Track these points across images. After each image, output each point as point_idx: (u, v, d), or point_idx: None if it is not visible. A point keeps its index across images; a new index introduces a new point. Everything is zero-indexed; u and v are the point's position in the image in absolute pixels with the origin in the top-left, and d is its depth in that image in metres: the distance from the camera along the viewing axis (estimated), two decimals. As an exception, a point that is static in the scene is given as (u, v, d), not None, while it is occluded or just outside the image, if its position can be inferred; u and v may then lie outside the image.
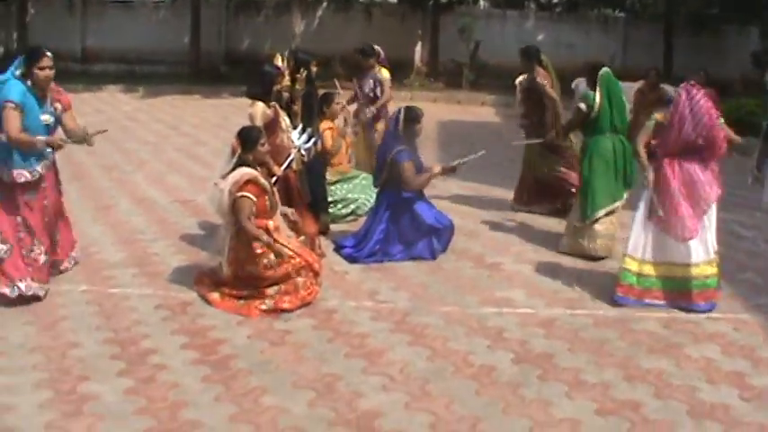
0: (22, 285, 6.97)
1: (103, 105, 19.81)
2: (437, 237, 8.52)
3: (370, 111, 10.92)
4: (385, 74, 11.16)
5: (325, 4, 29.07)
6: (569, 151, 10.35)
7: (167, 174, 12.73)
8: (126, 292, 7.43)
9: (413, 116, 8.49)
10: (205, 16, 27.68)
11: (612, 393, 5.63)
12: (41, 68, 7.01)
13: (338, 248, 8.69)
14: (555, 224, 10.01)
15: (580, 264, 8.58)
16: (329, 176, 9.81)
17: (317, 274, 7.20)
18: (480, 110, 22.83)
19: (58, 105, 7.31)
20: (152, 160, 13.89)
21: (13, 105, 6.84)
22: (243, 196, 6.96)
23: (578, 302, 7.44)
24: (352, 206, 9.84)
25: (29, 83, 7.00)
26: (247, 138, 7.21)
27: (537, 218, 10.47)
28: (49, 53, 7.11)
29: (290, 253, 7.10)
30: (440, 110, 21.32)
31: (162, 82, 24.71)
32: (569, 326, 6.85)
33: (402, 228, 8.42)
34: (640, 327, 6.87)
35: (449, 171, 8.75)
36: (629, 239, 7.42)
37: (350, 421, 5.22)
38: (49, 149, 7.20)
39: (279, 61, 8.58)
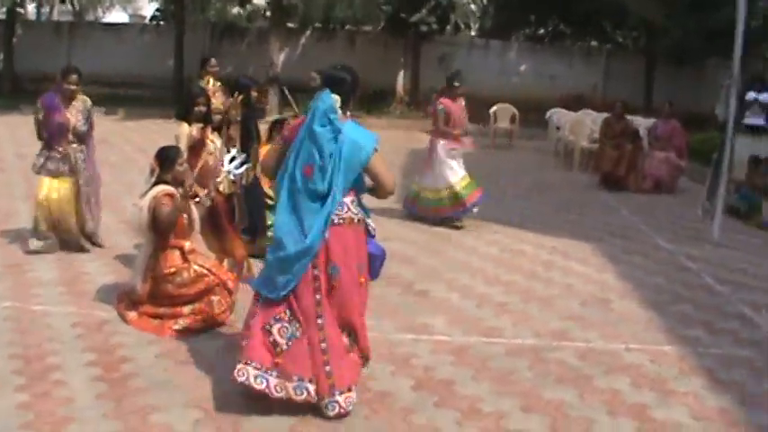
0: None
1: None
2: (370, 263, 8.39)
3: None
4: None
5: (308, 32, 29.17)
6: None
7: (123, 195, 12.63)
8: (47, 310, 7.36)
9: None
10: (189, 41, 27.76)
11: (504, 423, 5.52)
12: None
13: (269, 272, 8.57)
14: (496, 252, 9.95)
15: (512, 292, 8.50)
16: (270, 201, 9.72)
17: (231, 293, 7.12)
18: (456, 139, 22.70)
19: None
20: (112, 182, 13.80)
21: None
22: (161, 203, 6.94)
23: (496, 331, 7.34)
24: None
25: None
26: (165, 157, 7.18)
27: (480, 246, 10.42)
28: None
29: (205, 271, 7.04)
30: (413, 138, 21.26)
31: (145, 105, 24.73)
32: (480, 354, 6.75)
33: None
34: (554, 356, 6.78)
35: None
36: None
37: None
38: None
39: (207, 83, 8.52)
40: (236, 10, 31.22)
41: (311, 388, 5.39)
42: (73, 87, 9.20)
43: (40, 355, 6.35)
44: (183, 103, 8.27)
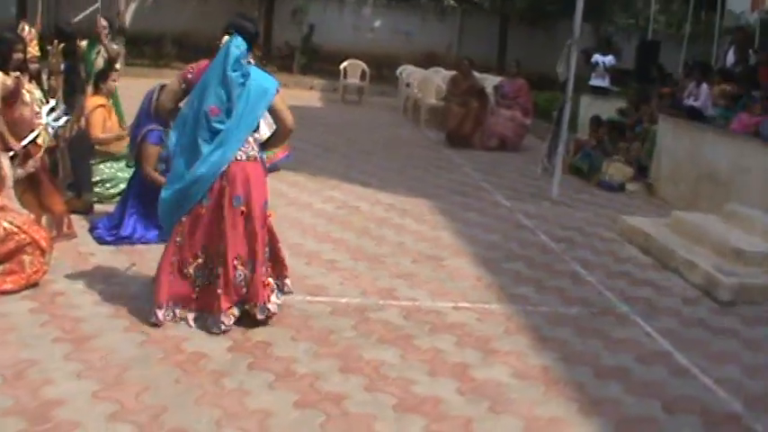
0: None
1: None
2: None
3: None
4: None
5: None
6: None
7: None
8: None
9: None
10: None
11: (319, 385, 5.33)
12: None
13: (92, 229, 8.22)
14: (331, 209, 9.78)
15: (342, 250, 8.34)
16: (98, 155, 9.32)
17: (44, 252, 6.73)
18: (307, 94, 22.50)
19: None
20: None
21: None
22: None
23: (322, 290, 7.16)
24: (122, 186, 9.36)
25: None
26: None
27: (316, 202, 10.23)
28: None
29: (15, 229, 6.63)
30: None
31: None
32: (302, 313, 6.55)
33: (155, 210, 7.98)
34: (378, 316, 6.64)
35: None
36: None
37: (27, 410, 4.79)
38: None
39: (22, 30, 8.04)
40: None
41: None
42: None
43: None
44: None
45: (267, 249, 6.23)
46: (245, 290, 6.08)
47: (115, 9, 24.53)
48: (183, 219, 6.05)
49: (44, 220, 7.77)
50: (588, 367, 5.99)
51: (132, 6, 25.92)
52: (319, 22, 26.55)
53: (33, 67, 8.02)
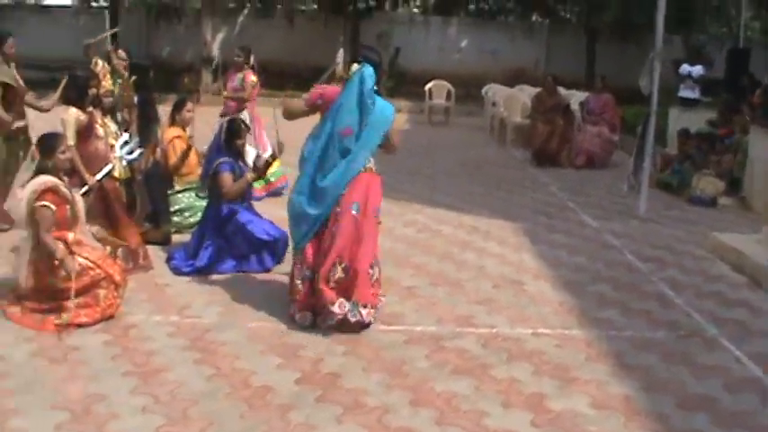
0: None
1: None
2: (268, 250, 8.09)
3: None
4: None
5: (245, 10, 28.66)
6: None
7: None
8: None
9: (233, 129, 8.14)
10: (124, 22, 27.11)
11: (388, 419, 5.18)
12: None
13: (169, 260, 8.23)
14: (412, 233, 9.62)
15: (421, 275, 8.18)
16: (177, 185, 9.36)
17: (117, 287, 6.73)
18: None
19: None
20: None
21: None
22: (42, 206, 6.51)
23: (397, 318, 7.01)
24: (200, 214, 9.37)
25: None
26: (45, 145, 6.77)
27: (397, 227, 10.09)
28: None
29: (90, 264, 6.65)
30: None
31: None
32: (375, 343, 6.41)
33: (231, 241, 8.01)
34: (454, 344, 6.45)
35: (262, 168, 8.20)
36: None
37: (90, 447, 4.77)
38: None
39: (96, 65, 8.13)
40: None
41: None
42: None
43: None
44: (74, 87, 7.82)
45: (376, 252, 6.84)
46: (349, 288, 6.58)
47: (202, 40, 24.93)
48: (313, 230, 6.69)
49: (120, 252, 7.79)
50: (672, 396, 5.70)
51: (219, 37, 26.21)
52: (404, 44, 26.50)
53: (107, 100, 8.09)
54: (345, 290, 6.57)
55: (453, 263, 8.72)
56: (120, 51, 10.38)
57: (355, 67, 6.63)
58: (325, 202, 6.60)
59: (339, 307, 6.53)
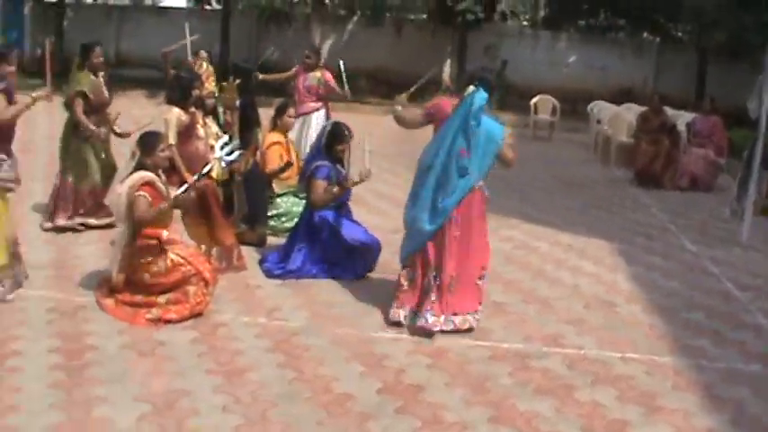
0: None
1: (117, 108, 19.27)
2: (361, 256, 8.11)
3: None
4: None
5: (355, 18, 28.86)
6: None
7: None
8: (26, 293, 7.14)
9: (336, 133, 8.15)
10: (236, 25, 27.58)
11: (464, 436, 5.15)
12: None
13: (262, 262, 8.31)
14: (508, 249, 9.54)
15: (513, 291, 8.11)
16: (276, 188, 9.46)
17: (207, 284, 6.84)
18: (499, 130, 22.23)
19: None
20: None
21: None
22: (139, 195, 6.71)
23: (484, 334, 6.94)
24: (296, 220, 9.44)
25: None
26: (145, 143, 6.95)
27: (493, 242, 9.99)
28: None
29: (181, 260, 6.77)
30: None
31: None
32: (460, 357, 6.37)
33: (324, 246, 8.04)
34: (540, 364, 6.38)
35: (351, 185, 8.19)
36: None
37: (169, 441, 4.84)
38: None
39: (200, 67, 8.27)
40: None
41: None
42: None
43: (4, 340, 6.14)
44: (178, 88, 7.98)
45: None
46: (455, 301, 6.90)
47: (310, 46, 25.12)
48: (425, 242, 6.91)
49: (214, 251, 7.90)
50: (761, 433, 5.54)
51: (328, 44, 26.44)
52: (511, 57, 26.30)
53: (209, 102, 8.21)
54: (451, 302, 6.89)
55: (546, 280, 8.62)
56: (201, 52, 10.59)
57: (470, 89, 6.72)
58: (441, 219, 6.79)
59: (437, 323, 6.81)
